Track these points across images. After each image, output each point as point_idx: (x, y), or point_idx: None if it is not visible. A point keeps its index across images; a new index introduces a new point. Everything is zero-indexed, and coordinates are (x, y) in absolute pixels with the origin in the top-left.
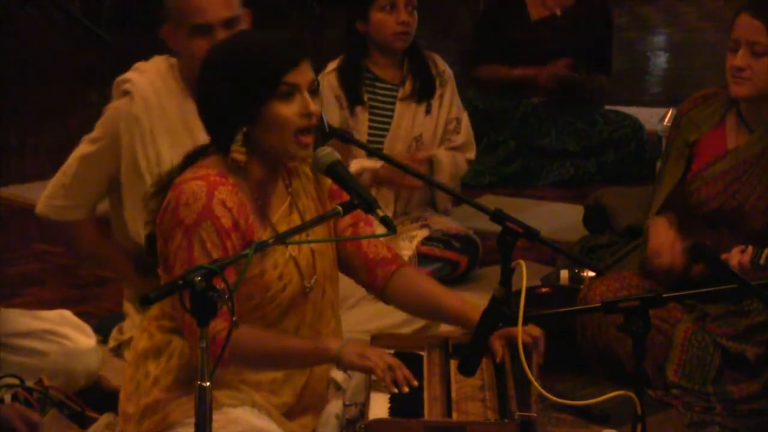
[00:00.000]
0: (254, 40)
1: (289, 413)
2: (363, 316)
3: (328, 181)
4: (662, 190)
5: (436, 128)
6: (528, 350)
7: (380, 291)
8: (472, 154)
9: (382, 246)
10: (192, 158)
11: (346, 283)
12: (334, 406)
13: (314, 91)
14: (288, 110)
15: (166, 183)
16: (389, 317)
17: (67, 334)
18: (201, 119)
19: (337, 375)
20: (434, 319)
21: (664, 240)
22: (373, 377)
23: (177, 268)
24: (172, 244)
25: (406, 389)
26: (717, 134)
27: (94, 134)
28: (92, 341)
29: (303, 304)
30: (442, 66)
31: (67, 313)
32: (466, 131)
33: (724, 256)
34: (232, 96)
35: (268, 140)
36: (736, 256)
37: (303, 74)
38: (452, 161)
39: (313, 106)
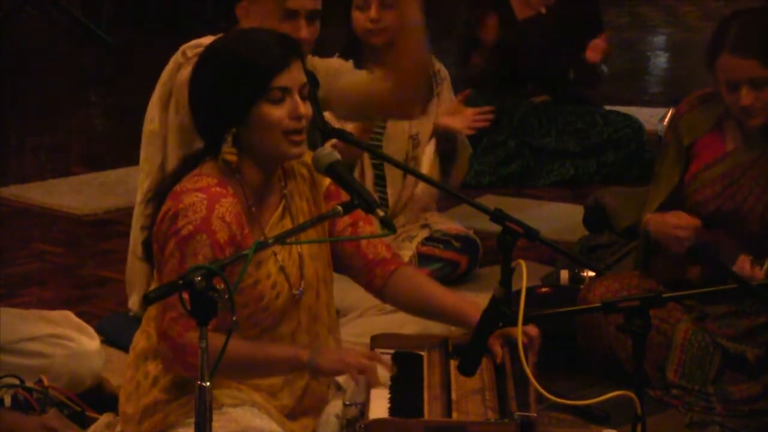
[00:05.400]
0: (244, 42)
1: (290, 415)
2: (369, 327)
3: (325, 183)
4: (659, 194)
5: (432, 127)
6: (524, 350)
7: (379, 290)
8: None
9: (381, 246)
10: (188, 164)
11: (352, 293)
12: (334, 406)
13: (304, 94)
14: (277, 112)
15: (163, 188)
16: (396, 330)
17: (71, 337)
18: (192, 121)
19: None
20: (433, 318)
21: (670, 217)
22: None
23: (166, 276)
24: (165, 251)
25: (377, 385)
26: (715, 136)
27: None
28: (96, 342)
29: (296, 310)
30: (437, 66)
31: (70, 314)
32: None
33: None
34: (221, 98)
35: (257, 141)
36: (747, 269)
37: (293, 77)
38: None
39: (303, 109)
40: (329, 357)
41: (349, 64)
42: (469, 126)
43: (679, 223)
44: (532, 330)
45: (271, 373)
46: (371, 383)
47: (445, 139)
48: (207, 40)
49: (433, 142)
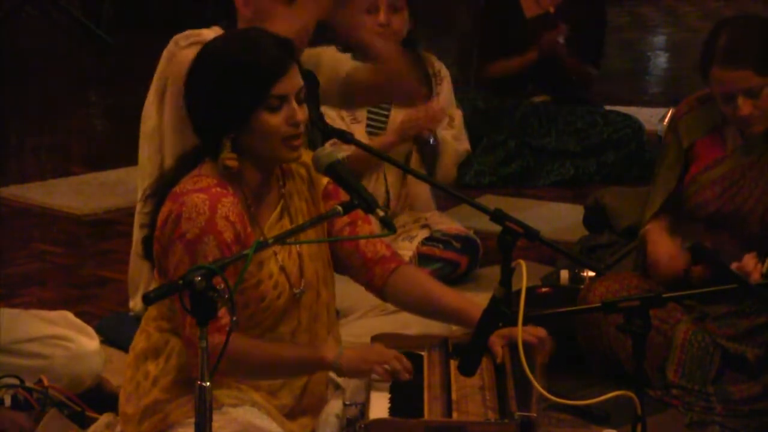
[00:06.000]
0: (242, 46)
1: (289, 414)
2: (370, 328)
3: (323, 182)
4: (658, 195)
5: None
6: (532, 351)
7: (379, 289)
8: (467, 146)
9: (381, 245)
10: (187, 163)
11: (353, 294)
12: (334, 406)
13: (301, 98)
14: (275, 119)
15: (161, 187)
16: (398, 331)
17: (70, 337)
18: (190, 122)
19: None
20: (434, 317)
21: (663, 249)
22: (374, 377)
23: None
24: (172, 257)
25: (407, 376)
26: (715, 138)
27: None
28: (95, 343)
29: (296, 310)
30: (438, 66)
31: (70, 315)
32: (459, 126)
33: (735, 265)
34: (219, 104)
35: (256, 146)
36: (751, 265)
37: (291, 83)
38: (454, 142)
39: (300, 115)
40: (353, 360)
41: (340, 53)
42: (433, 120)
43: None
44: (539, 330)
45: (298, 374)
46: (400, 378)
47: (422, 143)
48: (202, 32)
49: (414, 148)
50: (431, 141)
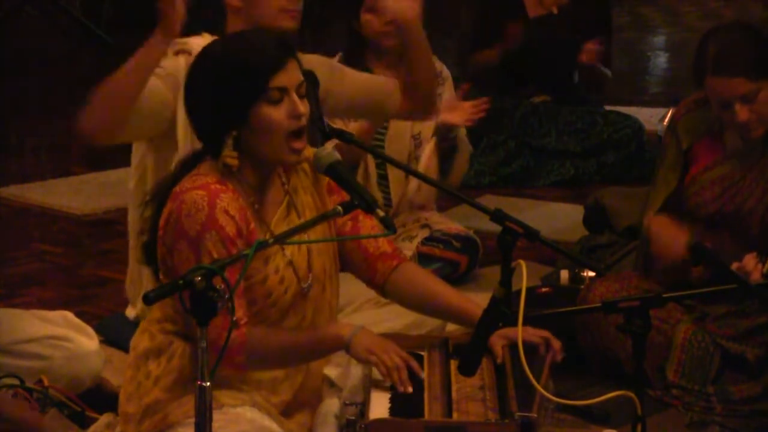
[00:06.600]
0: (240, 44)
1: (286, 411)
2: (365, 320)
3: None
4: (658, 196)
5: (434, 125)
6: (540, 352)
7: (380, 286)
8: (470, 146)
9: (383, 240)
10: (187, 165)
11: (349, 287)
12: (332, 405)
13: (302, 93)
14: (276, 113)
15: (162, 190)
16: (392, 322)
17: (69, 337)
18: (191, 124)
19: (331, 372)
20: (435, 315)
21: (668, 236)
22: (375, 373)
23: None
24: (177, 256)
25: (401, 389)
26: (714, 139)
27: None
28: (95, 343)
29: (303, 304)
30: (439, 66)
31: (69, 315)
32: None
33: (736, 266)
34: (219, 101)
35: (258, 144)
36: (752, 265)
37: (290, 76)
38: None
39: (302, 108)
40: (363, 344)
41: (336, 61)
42: (468, 119)
43: (678, 234)
44: (543, 331)
45: (314, 356)
46: (397, 385)
47: (443, 137)
48: (188, 39)
49: (432, 140)
50: (451, 135)
